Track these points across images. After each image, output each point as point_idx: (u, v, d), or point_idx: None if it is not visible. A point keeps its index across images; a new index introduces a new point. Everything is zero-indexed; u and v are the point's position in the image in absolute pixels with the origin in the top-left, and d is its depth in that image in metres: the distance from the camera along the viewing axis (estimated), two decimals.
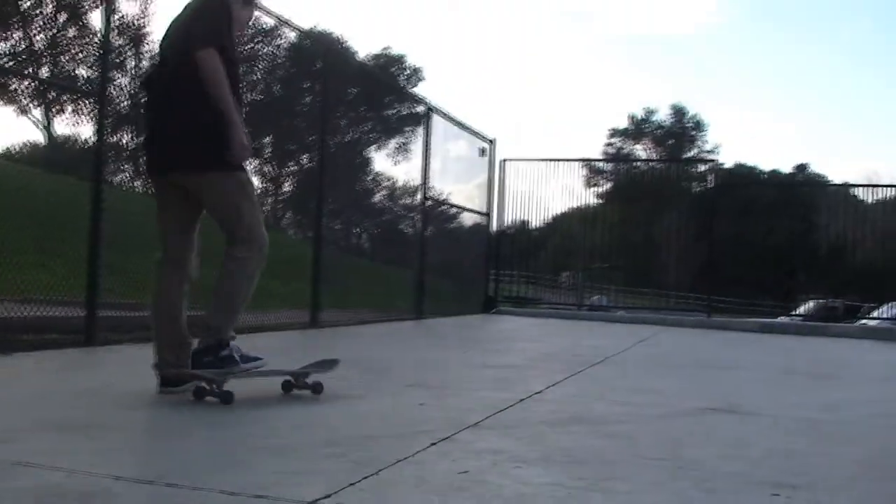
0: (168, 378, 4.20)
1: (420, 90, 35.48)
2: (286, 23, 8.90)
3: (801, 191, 23.77)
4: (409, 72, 35.85)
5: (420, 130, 12.47)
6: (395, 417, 4.02)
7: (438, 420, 3.89)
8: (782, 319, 16.40)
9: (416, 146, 12.44)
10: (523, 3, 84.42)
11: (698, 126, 50.69)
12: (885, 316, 15.88)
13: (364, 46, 71.48)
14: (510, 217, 14.85)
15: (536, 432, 3.79)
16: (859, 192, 17.29)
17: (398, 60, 35.86)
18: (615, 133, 50.62)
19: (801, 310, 18.76)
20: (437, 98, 13.34)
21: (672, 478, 3.03)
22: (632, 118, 51.56)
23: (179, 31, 4.30)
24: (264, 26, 10.03)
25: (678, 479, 3.01)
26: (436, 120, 12.51)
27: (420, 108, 12.95)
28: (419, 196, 12.28)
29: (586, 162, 16.63)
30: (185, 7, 4.33)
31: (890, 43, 74.76)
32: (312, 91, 12.76)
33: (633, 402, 4.96)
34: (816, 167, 48.47)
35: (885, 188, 16.40)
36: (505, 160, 14.23)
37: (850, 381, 7.17)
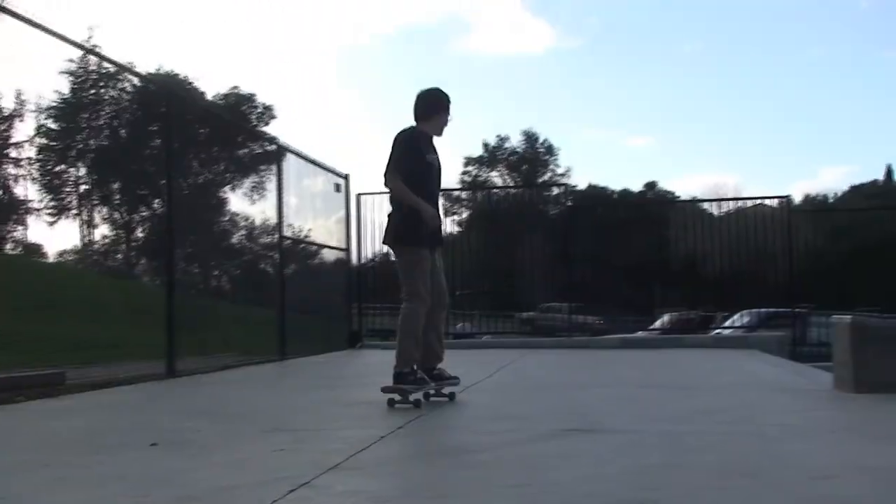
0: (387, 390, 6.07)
1: (272, 128, 35.20)
2: (125, 69, 8.68)
3: (652, 208, 24.68)
4: (260, 110, 35.42)
5: (275, 168, 12.33)
6: (254, 465, 3.92)
7: (298, 464, 3.82)
8: (640, 334, 16.95)
9: (273, 185, 12.28)
10: (368, 36, 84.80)
11: (549, 150, 52.13)
12: (736, 324, 16.60)
13: (213, 86, 70.33)
14: (372, 249, 14.83)
15: (397, 469, 3.76)
16: (707, 206, 18.13)
17: (248, 99, 35.40)
18: (470, 161, 51.45)
19: (659, 323, 19.50)
20: (292, 135, 13.30)
21: (532, 503, 3.06)
22: (486, 145, 52.58)
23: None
24: (104, 71, 9.75)
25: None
26: (289, 158, 12.41)
27: (272, 147, 12.81)
28: (276, 235, 12.13)
29: (443, 191, 16.74)
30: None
31: (721, 63, 78.83)
32: (162, 133, 12.43)
33: (494, 430, 4.99)
34: (665, 184, 50.43)
35: (729, 201, 17.20)
36: (360, 194, 14.23)
37: (704, 390, 7.43)
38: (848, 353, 6.73)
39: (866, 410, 5.88)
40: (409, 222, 6.16)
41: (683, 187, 78.94)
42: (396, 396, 5.99)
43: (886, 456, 4.06)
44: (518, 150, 51.12)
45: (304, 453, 4.19)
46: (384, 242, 6.53)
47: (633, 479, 3.48)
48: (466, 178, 49.54)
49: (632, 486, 3.31)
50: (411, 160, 6.21)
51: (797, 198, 46.11)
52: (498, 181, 49.93)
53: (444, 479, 3.54)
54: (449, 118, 6.50)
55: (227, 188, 27.78)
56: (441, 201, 6.73)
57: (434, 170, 6.38)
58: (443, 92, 6.52)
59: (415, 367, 6.14)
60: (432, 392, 6.34)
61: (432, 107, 6.47)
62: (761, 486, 3.34)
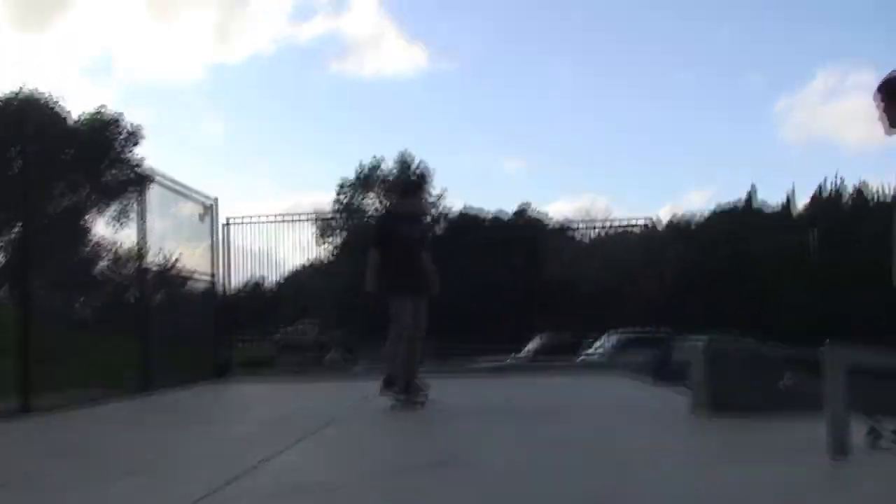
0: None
1: (140, 150, 34.20)
2: None
3: (525, 231, 24.98)
4: (126, 133, 34.28)
5: (137, 196, 11.98)
6: None
7: None
8: (510, 360, 17.12)
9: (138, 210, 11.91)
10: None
11: (422, 177, 52.40)
12: (603, 347, 16.95)
13: (79, 106, 67.93)
14: (241, 278, 14.55)
15: None
16: (578, 231, 18.52)
17: (114, 122, 34.24)
18: (344, 185, 51.06)
19: (530, 347, 19.68)
20: (160, 157, 13.00)
21: None
22: (360, 169, 52.34)
23: None
24: None
25: None
26: (154, 185, 12.08)
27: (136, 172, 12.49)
28: (139, 263, 11.78)
29: (316, 219, 16.53)
30: None
31: (592, 86, 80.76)
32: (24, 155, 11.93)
33: (355, 464, 4.97)
34: (538, 206, 51.40)
35: (597, 226, 17.64)
36: (228, 222, 13.95)
37: (563, 417, 7.57)
38: (702, 376, 6.98)
39: (718, 431, 6.10)
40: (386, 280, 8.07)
41: (556, 209, 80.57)
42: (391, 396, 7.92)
43: (736, 477, 4.22)
44: (391, 174, 51.05)
45: (158, 494, 4.07)
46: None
47: None
48: (341, 201, 49.09)
49: None
50: (389, 233, 8.23)
51: (665, 219, 47.62)
52: (372, 206, 49.83)
53: None
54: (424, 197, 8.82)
55: (91, 214, 26.83)
56: (427, 256, 8.29)
57: (408, 240, 8.20)
58: (418, 179, 8.47)
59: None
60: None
61: (406, 191, 9.13)
62: None
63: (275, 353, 16.26)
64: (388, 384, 8.04)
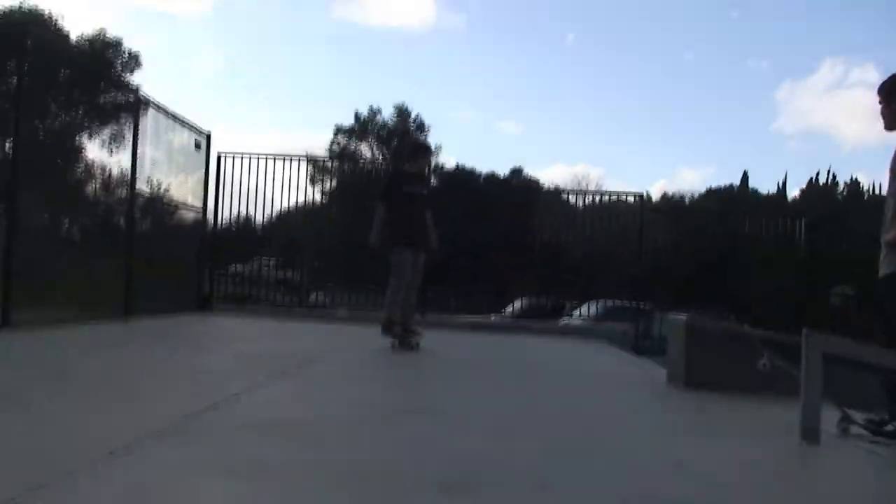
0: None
1: (137, 77, 33.90)
2: None
3: (517, 193, 24.91)
4: (125, 57, 33.95)
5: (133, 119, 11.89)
6: (76, 427, 3.81)
7: (123, 429, 3.72)
8: (493, 317, 17.19)
9: (131, 136, 11.83)
10: None
11: (421, 127, 51.63)
12: (584, 314, 17.03)
13: (79, 27, 67.20)
14: (230, 213, 14.48)
15: (223, 440, 3.72)
16: (570, 197, 18.48)
17: (114, 45, 33.88)
18: (340, 130, 50.47)
19: (513, 306, 19.82)
20: (157, 86, 12.91)
21: (348, 481, 3.08)
22: (357, 117, 51.77)
23: None
24: None
25: (354, 482, 3.07)
26: (149, 110, 11.99)
27: (132, 97, 12.38)
28: (130, 189, 11.72)
29: (309, 160, 16.35)
30: None
31: (597, 56, 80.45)
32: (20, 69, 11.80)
33: (329, 407, 5.00)
34: (531, 170, 51.03)
35: (589, 194, 17.57)
36: (221, 154, 13.86)
37: (540, 379, 7.62)
38: (680, 351, 7.04)
39: (691, 406, 6.16)
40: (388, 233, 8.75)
41: (549, 175, 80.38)
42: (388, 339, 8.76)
43: (704, 451, 4.27)
44: (389, 123, 50.48)
45: (132, 416, 4.09)
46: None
47: (456, 460, 3.55)
48: (336, 146, 48.59)
49: (454, 470, 3.37)
50: (395, 192, 8.86)
51: (655, 195, 47.71)
52: (367, 153, 49.37)
53: (269, 453, 3.52)
54: (430, 159, 9.41)
55: (84, 135, 26.54)
56: (429, 215, 8.96)
57: (414, 197, 8.87)
58: (425, 142, 9.34)
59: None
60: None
61: (416, 151, 9.89)
62: (582, 481, 3.46)
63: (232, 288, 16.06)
64: (387, 328, 8.80)
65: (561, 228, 18.07)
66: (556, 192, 22.61)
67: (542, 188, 28.32)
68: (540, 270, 17.52)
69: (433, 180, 16.15)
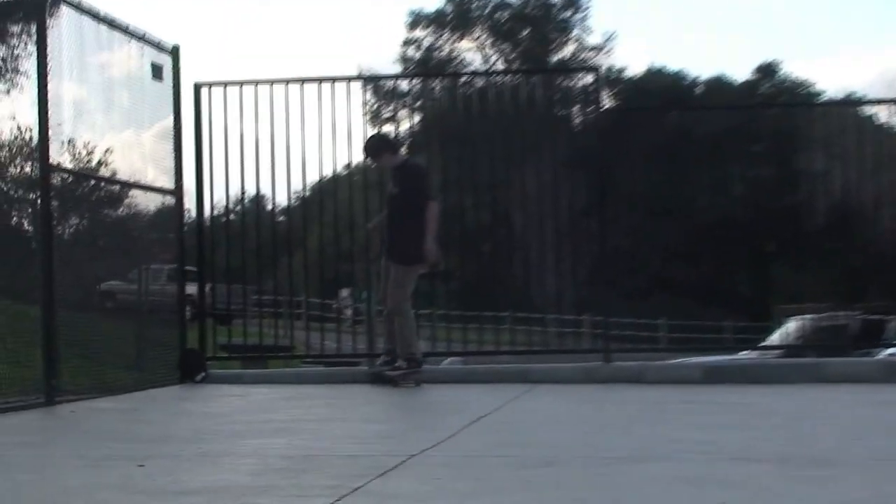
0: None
1: None
2: None
3: (768, 115, 15.98)
4: None
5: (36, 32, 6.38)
6: None
7: None
8: (745, 355, 10.37)
9: (33, 64, 6.40)
10: None
11: (572, 2, 32.59)
12: None
13: None
14: (223, 190, 8.62)
15: None
16: (873, 111, 10.08)
17: None
18: (418, 20, 31.58)
19: (781, 334, 12.56)
20: None
21: None
22: None
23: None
24: None
25: None
26: (65, 12, 6.50)
27: None
28: (39, 162, 6.19)
29: (366, 80, 10.01)
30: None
31: None
32: None
33: None
34: (791, 66, 32.80)
35: None
36: (200, 86, 7.95)
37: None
38: None
39: None
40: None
41: (826, 75, 50.84)
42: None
43: None
44: (512, 1, 31.03)
45: None
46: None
47: None
48: (413, 52, 30.56)
49: None
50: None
51: None
52: (473, 59, 31.71)
53: None
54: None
55: None
56: (430, 215, 7.16)
57: (390, 198, 7.61)
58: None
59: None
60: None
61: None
62: None
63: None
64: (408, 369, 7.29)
65: (859, 175, 10.61)
66: (852, 104, 14.12)
67: (814, 97, 18.32)
68: (831, 261, 11.29)
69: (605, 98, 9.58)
